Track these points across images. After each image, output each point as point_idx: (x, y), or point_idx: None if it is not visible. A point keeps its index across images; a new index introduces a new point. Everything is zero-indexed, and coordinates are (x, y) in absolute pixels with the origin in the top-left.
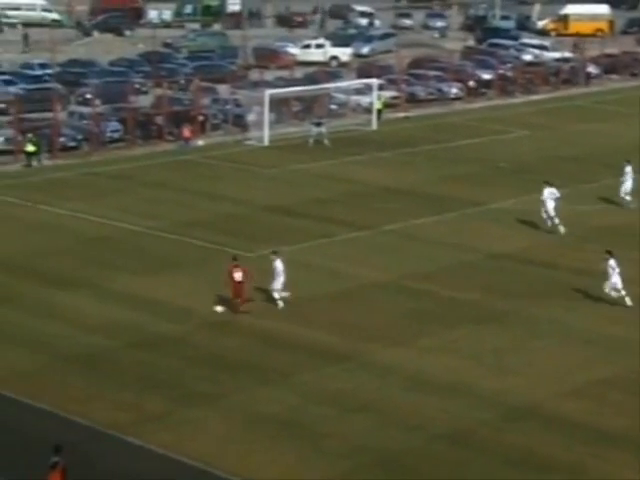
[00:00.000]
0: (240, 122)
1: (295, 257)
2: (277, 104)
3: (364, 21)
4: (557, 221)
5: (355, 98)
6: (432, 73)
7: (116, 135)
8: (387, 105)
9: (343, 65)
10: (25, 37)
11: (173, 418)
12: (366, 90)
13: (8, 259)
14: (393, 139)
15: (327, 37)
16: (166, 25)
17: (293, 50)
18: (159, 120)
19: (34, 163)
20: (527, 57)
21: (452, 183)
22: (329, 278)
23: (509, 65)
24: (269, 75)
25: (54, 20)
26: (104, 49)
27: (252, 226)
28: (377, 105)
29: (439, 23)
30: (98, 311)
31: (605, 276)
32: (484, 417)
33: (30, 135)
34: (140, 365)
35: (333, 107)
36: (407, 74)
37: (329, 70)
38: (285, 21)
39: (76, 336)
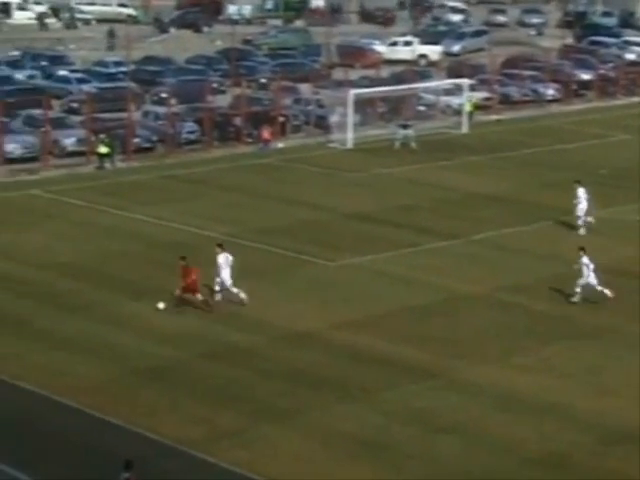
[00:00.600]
0: (322, 123)
1: (379, 267)
2: (362, 105)
3: (455, 17)
4: (581, 222)
5: (444, 99)
6: (527, 73)
7: (192, 136)
8: (478, 107)
9: (432, 64)
10: (110, 33)
11: (247, 434)
12: (456, 91)
13: (80, 265)
14: (484, 143)
15: (416, 34)
16: (246, 21)
17: (379, 48)
18: (237, 121)
19: (107, 165)
20: (630, 56)
21: (547, 190)
22: (415, 290)
23: (610, 65)
24: (353, 74)
25: (129, 16)
26: (181, 46)
27: (334, 234)
28: (467, 107)
29: (536, 19)
30: (170, 321)
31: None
32: (580, 440)
33: (103, 136)
34: (213, 378)
35: (421, 108)
36: (500, 74)
37: (417, 69)
38: (371, 17)
39: (147, 347)
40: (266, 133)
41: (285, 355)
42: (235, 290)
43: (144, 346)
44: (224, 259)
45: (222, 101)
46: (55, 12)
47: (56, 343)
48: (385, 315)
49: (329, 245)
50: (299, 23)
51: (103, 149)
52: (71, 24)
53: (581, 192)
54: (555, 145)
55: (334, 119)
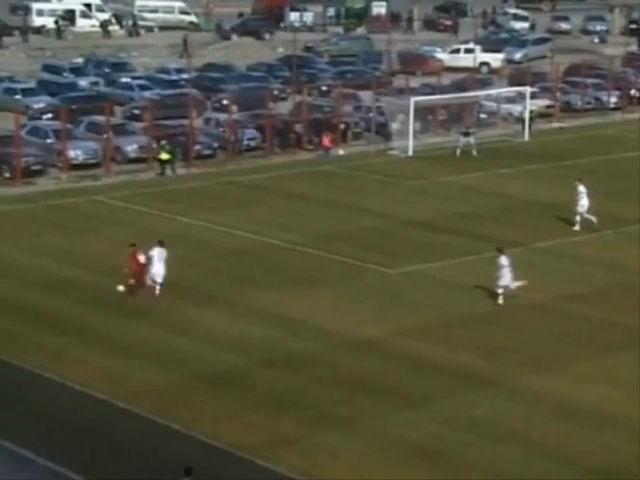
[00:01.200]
0: (383, 131)
1: (439, 275)
2: (422, 112)
3: (518, 25)
4: (579, 218)
5: (506, 107)
6: (590, 81)
7: (253, 143)
8: (541, 115)
9: (494, 72)
10: (185, 41)
11: (307, 442)
12: (518, 98)
13: None
14: (546, 151)
15: (477, 42)
16: (308, 28)
17: (441, 55)
18: (298, 128)
19: (168, 172)
20: None
21: (609, 199)
22: (476, 298)
23: None
24: (415, 82)
25: (191, 23)
26: (242, 53)
27: (394, 241)
28: (528, 114)
29: (599, 27)
30: (232, 328)
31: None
32: None
33: (164, 142)
34: (273, 385)
35: (482, 116)
36: (563, 82)
37: (479, 77)
38: (433, 24)
39: (208, 353)
40: (327, 140)
41: (345, 362)
42: (159, 283)
43: (205, 352)
44: (158, 253)
45: (283, 108)
46: (118, 20)
47: (118, 348)
48: (445, 323)
49: (390, 252)
50: (360, 30)
51: (164, 156)
52: (134, 31)
53: (582, 189)
54: (618, 154)
55: (395, 126)
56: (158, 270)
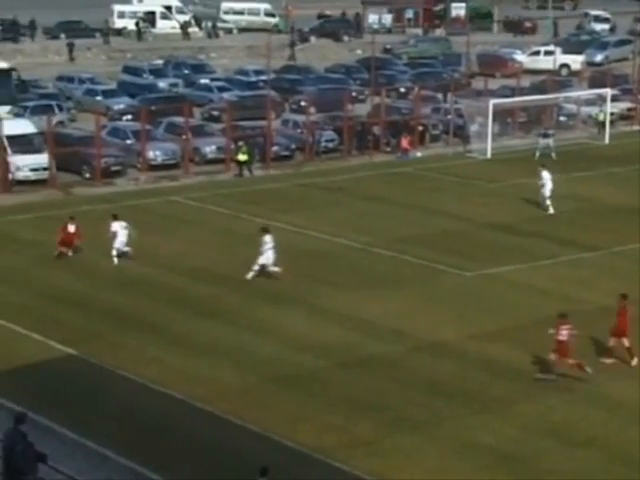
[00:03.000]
0: (461, 133)
1: (516, 278)
2: (501, 115)
3: (599, 26)
4: (549, 202)
5: (586, 109)
6: None
7: (331, 145)
8: (622, 117)
9: (574, 74)
10: (292, 44)
11: (383, 444)
12: (598, 101)
13: (219, 271)
14: (626, 154)
15: (558, 44)
16: (386, 30)
17: (520, 57)
18: (376, 130)
19: (245, 173)
20: None
21: None
22: (553, 301)
23: None
24: (494, 84)
25: (276, 25)
26: (321, 55)
27: (471, 244)
28: (601, 117)
29: None
30: (308, 329)
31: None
32: None
33: (242, 143)
34: (349, 387)
35: (562, 119)
36: None
37: (559, 79)
38: (513, 26)
39: (285, 355)
40: (405, 142)
41: (421, 365)
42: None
43: (283, 353)
44: (118, 226)
45: (361, 110)
46: (198, 21)
47: (194, 348)
48: (522, 326)
49: (466, 255)
50: (439, 32)
51: (242, 157)
52: (213, 33)
53: (545, 174)
54: None
55: (473, 129)
56: (121, 240)
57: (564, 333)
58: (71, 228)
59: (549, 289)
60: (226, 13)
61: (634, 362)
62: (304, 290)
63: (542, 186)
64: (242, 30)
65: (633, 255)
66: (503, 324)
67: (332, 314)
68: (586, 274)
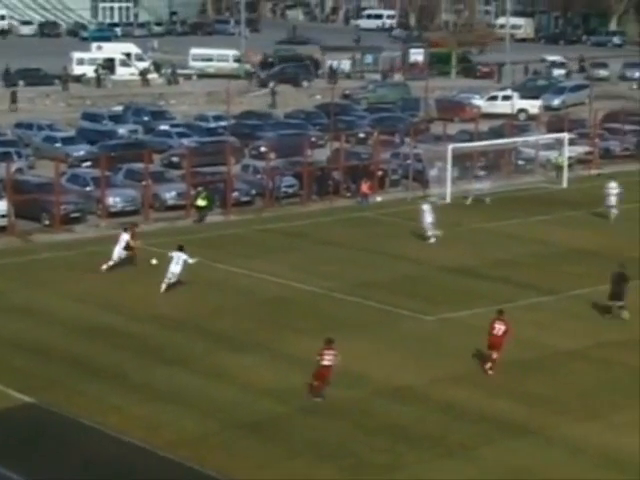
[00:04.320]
0: (421, 178)
1: (477, 322)
2: (460, 159)
3: (556, 72)
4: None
5: (544, 154)
6: (629, 127)
7: (291, 190)
8: (579, 161)
9: (532, 118)
10: (273, 91)
11: None
12: (556, 145)
13: (179, 318)
14: (584, 198)
15: (515, 89)
16: (345, 76)
17: (478, 102)
18: (336, 175)
19: (204, 218)
20: None
21: None
22: (513, 345)
23: None
24: (452, 128)
25: (247, 72)
26: (280, 100)
27: (431, 288)
28: (560, 161)
29: (638, 74)
30: (271, 375)
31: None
32: None
33: (201, 189)
34: (312, 432)
35: (520, 163)
36: (601, 128)
37: (517, 123)
38: (469, 71)
39: (247, 401)
40: (365, 187)
41: (384, 410)
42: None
43: (244, 399)
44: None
45: (321, 155)
46: (157, 68)
47: (155, 396)
48: (482, 370)
49: (427, 299)
50: (398, 77)
51: (201, 202)
52: (172, 80)
53: (426, 208)
54: None
55: (432, 173)
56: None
57: (328, 358)
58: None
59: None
60: (195, 60)
61: (490, 371)
62: (266, 336)
63: (422, 216)
64: (202, 76)
65: (591, 298)
66: (464, 368)
67: (295, 360)
68: (546, 318)
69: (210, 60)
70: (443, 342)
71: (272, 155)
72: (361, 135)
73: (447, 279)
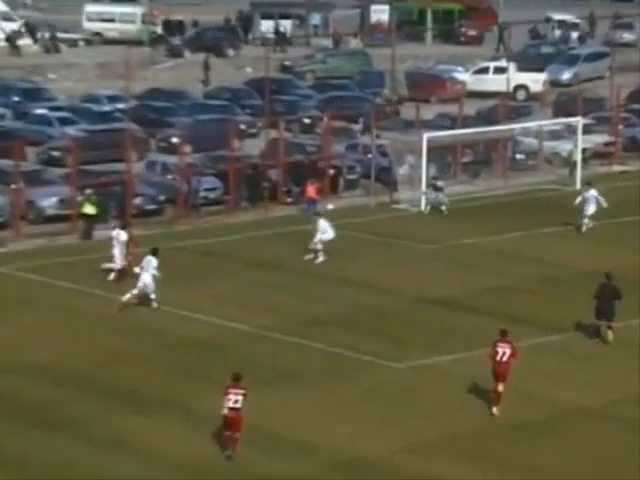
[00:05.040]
0: (387, 178)
1: (461, 370)
2: (439, 153)
3: (565, 35)
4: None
5: (550, 145)
6: None
7: (213, 195)
8: (597, 155)
9: (534, 97)
10: (206, 64)
11: None
12: (566, 133)
13: (63, 368)
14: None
15: (511, 58)
16: (285, 42)
17: (462, 76)
18: (273, 174)
19: (92, 232)
20: None
21: None
22: (509, 402)
23: None
24: (428, 111)
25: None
26: (197, 75)
27: (402, 325)
28: (574, 155)
29: None
30: (184, 443)
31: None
32: None
33: (90, 192)
34: None
35: (519, 157)
36: (626, 110)
37: (514, 104)
38: (451, 35)
39: (152, 476)
40: (312, 190)
41: None
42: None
43: (150, 475)
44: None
45: (253, 148)
46: (31, 31)
47: (30, 471)
48: (470, 435)
49: (396, 340)
50: (355, 43)
51: (90, 209)
52: (52, 47)
53: (322, 223)
54: None
55: (402, 172)
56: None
57: (235, 399)
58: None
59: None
60: (90, 20)
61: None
62: (178, 392)
63: (317, 232)
64: (91, 42)
65: (614, 338)
66: (444, 432)
67: (215, 422)
68: (552, 364)
69: (112, 21)
70: (417, 397)
71: (187, 148)
72: (306, 121)
73: (422, 313)
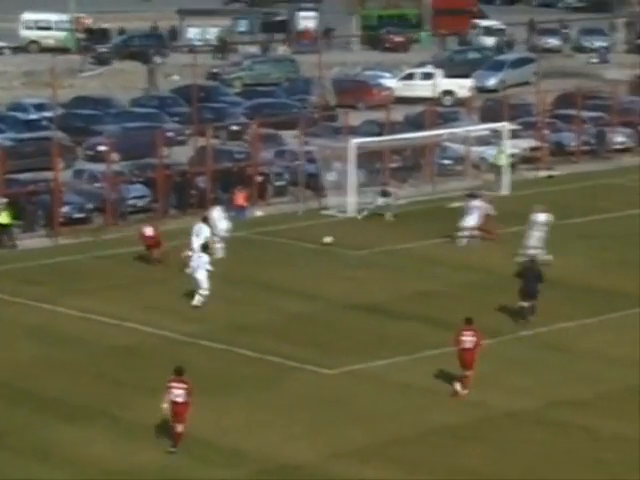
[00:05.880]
0: (315, 184)
1: (393, 376)
2: (367, 159)
3: (491, 40)
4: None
5: (477, 150)
6: (588, 114)
7: (141, 203)
8: (524, 160)
9: (461, 103)
10: (151, 71)
11: None
12: (493, 139)
13: None
14: (530, 208)
15: (438, 64)
16: (212, 48)
17: (389, 82)
18: (201, 182)
19: (5, 240)
20: None
21: (615, 271)
22: (441, 406)
23: None
24: (356, 118)
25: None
26: (125, 83)
27: (333, 332)
28: (502, 160)
29: (598, 43)
30: (114, 451)
31: None
32: None
33: (4, 200)
34: None
35: (446, 162)
36: (552, 116)
37: (441, 110)
38: (378, 41)
39: None
40: (240, 198)
41: None
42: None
43: None
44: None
45: (181, 155)
46: None
47: None
48: (401, 441)
49: (326, 347)
50: (283, 50)
51: (4, 218)
52: None
53: (215, 213)
54: (627, 210)
55: (330, 178)
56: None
57: (177, 393)
58: (149, 231)
59: (435, 390)
60: (28, 28)
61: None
62: (106, 400)
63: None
64: (18, 49)
65: (543, 341)
66: (377, 438)
67: (145, 430)
68: (482, 368)
69: (48, 29)
70: (348, 404)
71: (115, 156)
72: (234, 128)
73: (353, 319)
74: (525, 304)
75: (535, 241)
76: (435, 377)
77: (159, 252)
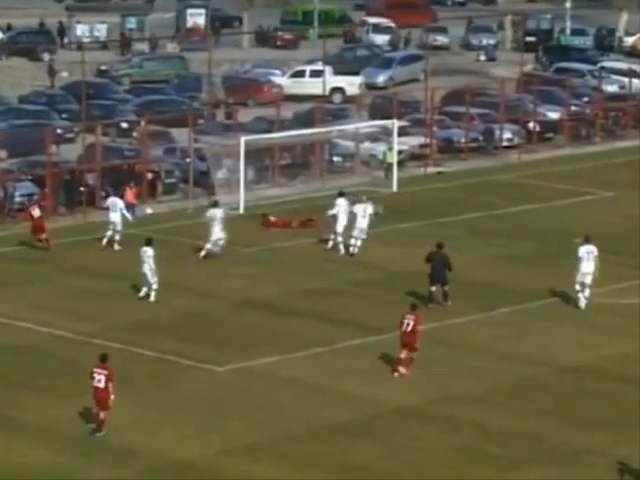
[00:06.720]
0: (205, 182)
1: (282, 373)
2: (257, 156)
3: (380, 38)
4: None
5: (367, 147)
6: (476, 111)
7: (29, 200)
8: (413, 156)
9: (350, 100)
10: (51, 69)
11: None
12: (382, 135)
13: None
14: (419, 205)
15: (328, 61)
16: (101, 45)
17: (279, 79)
18: (90, 179)
19: None
20: (610, 88)
21: (503, 266)
22: (331, 403)
23: (585, 99)
24: (246, 115)
25: None
26: (12, 79)
27: (223, 329)
28: (391, 157)
29: (486, 40)
30: (5, 451)
31: None
32: None
33: None
34: None
35: (336, 159)
36: (440, 112)
37: (330, 107)
38: (268, 38)
39: None
40: (130, 195)
41: None
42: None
43: None
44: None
45: (70, 153)
46: None
47: None
48: (291, 438)
49: (216, 344)
50: (172, 47)
51: None
52: None
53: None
54: (514, 206)
55: (220, 175)
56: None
57: (98, 379)
58: (36, 212)
59: (325, 386)
60: None
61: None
62: None
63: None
64: None
65: (433, 337)
66: (267, 434)
67: (38, 430)
68: (373, 364)
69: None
70: (238, 400)
71: (2, 153)
72: (124, 125)
73: (243, 317)
74: (433, 288)
75: (340, 227)
76: (325, 374)
77: (46, 236)
